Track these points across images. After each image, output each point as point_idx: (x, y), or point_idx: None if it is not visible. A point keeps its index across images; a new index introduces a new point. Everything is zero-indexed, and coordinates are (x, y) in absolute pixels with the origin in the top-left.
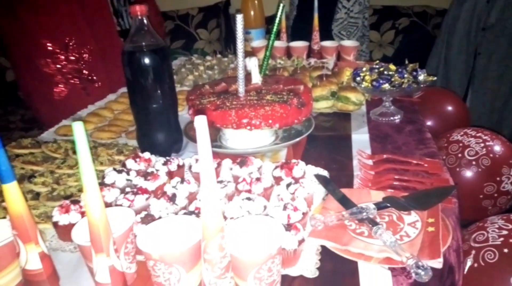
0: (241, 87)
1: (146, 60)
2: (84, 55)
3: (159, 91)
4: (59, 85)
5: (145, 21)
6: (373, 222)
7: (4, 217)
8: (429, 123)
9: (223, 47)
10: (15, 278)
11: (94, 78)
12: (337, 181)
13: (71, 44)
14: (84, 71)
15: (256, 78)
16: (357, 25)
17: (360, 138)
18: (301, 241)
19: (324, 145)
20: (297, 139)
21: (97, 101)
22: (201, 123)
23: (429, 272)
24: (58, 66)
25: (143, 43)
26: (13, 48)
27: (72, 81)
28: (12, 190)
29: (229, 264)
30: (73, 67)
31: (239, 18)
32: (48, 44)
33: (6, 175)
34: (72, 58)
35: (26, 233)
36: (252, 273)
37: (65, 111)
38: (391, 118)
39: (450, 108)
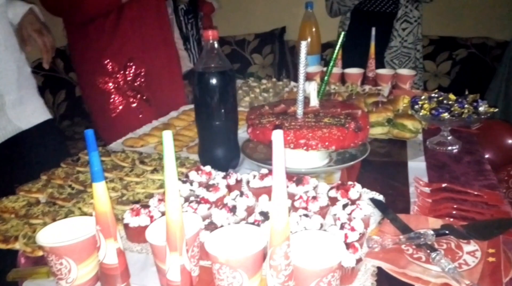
0: (299, 109)
1: (214, 81)
2: (141, 77)
3: (223, 110)
4: (116, 103)
5: (215, 45)
6: (431, 248)
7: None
8: (487, 155)
9: (275, 72)
10: (93, 270)
11: (148, 99)
12: (393, 206)
13: (129, 64)
14: (139, 92)
15: (314, 101)
16: (410, 56)
17: (417, 166)
18: (358, 260)
19: (379, 170)
20: (353, 162)
21: (148, 121)
22: (278, 137)
23: None
24: (116, 85)
25: (212, 65)
26: (79, 65)
27: (127, 100)
28: (100, 188)
29: (292, 273)
30: (129, 87)
31: (304, 44)
32: (109, 64)
33: (97, 175)
34: (129, 78)
35: (108, 229)
36: (312, 284)
37: (120, 127)
38: (449, 148)
39: (510, 141)
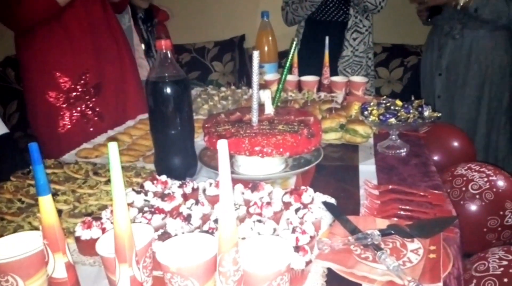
0: (254, 117)
1: (168, 90)
2: (95, 90)
3: (178, 119)
4: (65, 119)
5: (169, 54)
6: (377, 248)
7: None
8: (435, 157)
9: (236, 79)
10: (41, 285)
11: (101, 114)
12: (344, 208)
13: (83, 77)
14: (93, 108)
15: (269, 109)
16: (361, 64)
17: (367, 169)
18: (308, 262)
19: (332, 174)
20: (307, 168)
21: (99, 135)
22: (222, 147)
23: None
24: (67, 100)
25: (166, 74)
26: (26, 77)
27: (79, 116)
28: (47, 202)
29: (241, 278)
30: (80, 101)
31: (256, 54)
32: (61, 77)
33: (43, 188)
34: (82, 93)
35: (56, 243)
36: None
37: (68, 144)
38: (398, 151)
39: (456, 143)
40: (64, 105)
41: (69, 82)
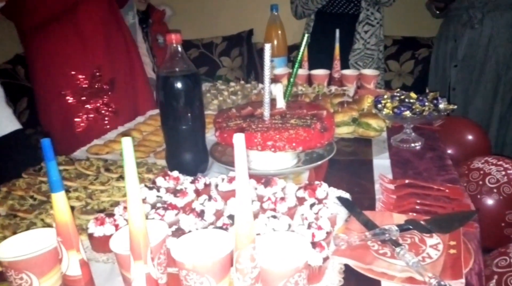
0: (266, 111)
1: (179, 85)
2: (110, 86)
3: (189, 114)
4: (82, 117)
5: (179, 48)
6: (395, 243)
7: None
8: (449, 151)
9: (244, 74)
10: (55, 283)
11: (116, 110)
12: (359, 204)
13: (97, 74)
14: (108, 104)
15: (281, 103)
16: (373, 57)
17: (382, 163)
18: (325, 258)
19: (346, 169)
20: (320, 162)
21: (110, 128)
22: (239, 140)
23: None
24: (82, 97)
25: (177, 69)
26: (38, 76)
27: (95, 114)
28: (60, 199)
29: (259, 275)
30: (96, 98)
31: (267, 47)
32: (76, 75)
33: (56, 185)
34: (97, 89)
35: (70, 240)
36: (279, 285)
37: (86, 143)
38: (412, 144)
39: (470, 137)
40: (80, 104)
41: (84, 80)
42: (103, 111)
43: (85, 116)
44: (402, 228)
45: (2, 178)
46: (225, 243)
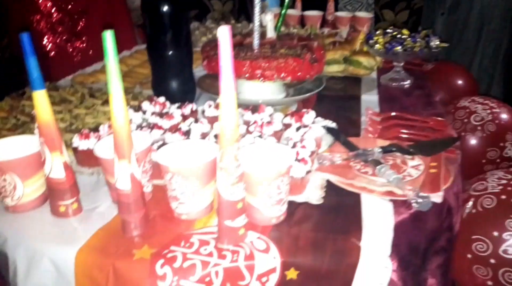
0: (256, 40)
1: (165, 7)
2: (80, 14)
3: (176, 38)
4: (49, 45)
5: None
6: (377, 162)
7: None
8: (438, 95)
9: (235, 19)
10: (40, 188)
11: (87, 41)
12: (345, 133)
13: (63, 5)
14: (78, 34)
15: (271, 33)
16: (362, 2)
17: (370, 99)
18: (308, 172)
19: (334, 103)
20: (308, 95)
21: (91, 63)
22: (224, 33)
23: (429, 202)
24: (49, 25)
25: None
26: (10, 8)
27: (63, 43)
28: (41, 97)
29: (242, 175)
30: (66, 27)
31: None
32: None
33: (36, 82)
34: (65, 16)
35: (52, 141)
36: (262, 188)
37: (56, 71)
38: (401, 83)
39: (459, 81)
40: (47, 31)
41: (50, 4)
42: (72, 40)
43: (53, 44)
44: (385, 150)
45: None
46: (211, 152)
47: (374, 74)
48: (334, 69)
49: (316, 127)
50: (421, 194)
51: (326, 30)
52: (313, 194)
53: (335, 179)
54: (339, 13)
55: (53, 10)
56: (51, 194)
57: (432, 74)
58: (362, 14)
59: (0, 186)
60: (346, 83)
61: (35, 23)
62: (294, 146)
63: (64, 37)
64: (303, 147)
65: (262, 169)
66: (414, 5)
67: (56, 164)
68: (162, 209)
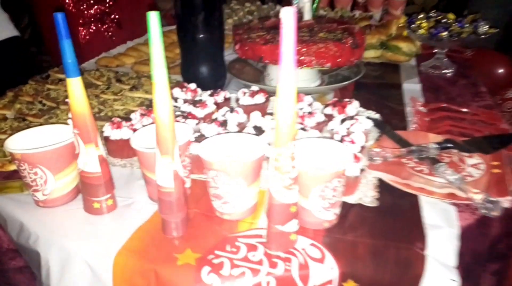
0: None
1: None
2: None
3: (208, 22)
4: (84, 28)
5: None
6: (434, 160)
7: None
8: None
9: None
10: (72, 181)
11: (119, 21)
12: (390, 125)
13: None
14: (110, 13)
15: (308, 15)
16: None
17: (412, 87)
18: (362, 170)
19: (373, 92)
20: (348, 82)
21: (107, 41)
22: (289, 15)
23: (499, 207)
24: (83, 7)
25: None
26: None
27: (97, 24)
28: (76, 85)
29: (297, 177)
30: (98, 8)
31: None
32: None
33: (71, 68)
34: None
35: (87, 133)
36: (316, 189)
37: (89, 55)
38: (444, 71)
39: (501, 70)
40: (80, 12)
41: None
42: (105, 21)
43: (88, 27)
44: (442, 146)
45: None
46: (254, 147)
47: (413, 61)
48: (370, 55)
49: (363, 119)
50: (490, 198)
51: (357, 13)
52: (366, 195)
53: (389, 178)
54: None
55: None
56: (85, 190)
57: (473, 63)
58: None
59: (30, 179)
60: (384, 70)
61: (68, 7)
62: (341, 140)
63: (92, 18)
64: (352, 142)
65: (319, 168)
66: None
67: (91, 158)
68: (202, 208)
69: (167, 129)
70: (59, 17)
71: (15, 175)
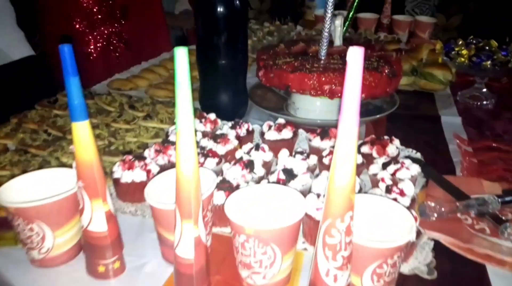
0: (323, 49)
1: (221, 8)
2: (120, 13)
3: (232, 45)
4: (90, 45)
5: None
6: (497, 218)
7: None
8: None
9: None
10: (73, 238)
11: (127, 41)
12: (435, 167)
13: (104, 4)
14: (119, 33)
15: (339, 41)
16: (430, 4)
17: (451, 121)
18: (418, 233)
19: (409, 125)
20: (383, 114)
21: (127, 65)
22: (355, 54)
23: None
24: (90, 24)
25: None
26: (49, 4)
27: (103, 42)
28: (83, 130)
29: (351, 255)
30: (106, 27)
31: None
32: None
33: (78, 111)
34: (106, 16)
35: (94, 187)
36: (373, 266)
37: (94, 73)
38: (484, 102)
39: None
40: (89, 30)
41: (94, 3)
42: (114, 41)
43: (94, 44)
44: (505, 200)
45: (12, 110)
46: (293, 204)
47: (447, 89)
48: (402, 82)
49: (409, 164)
50: None
51: (382, 35)
52: (422, 263)
53: (447, 241)
54: (397, 17)
55: (94, 7)
56: (88, 250)
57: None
58: (424, 18)
59: (25, 236)
60: (418, 99)
61: (76, 23)
62: (388, 191)
63: (105, 37)
64: (402, 193)
65: (379, 241)
66: (468, 9)
67: (97, 215)
68: (226, 274)
69: (191, 189)
70: (65, 50)
71: (9, 223)
